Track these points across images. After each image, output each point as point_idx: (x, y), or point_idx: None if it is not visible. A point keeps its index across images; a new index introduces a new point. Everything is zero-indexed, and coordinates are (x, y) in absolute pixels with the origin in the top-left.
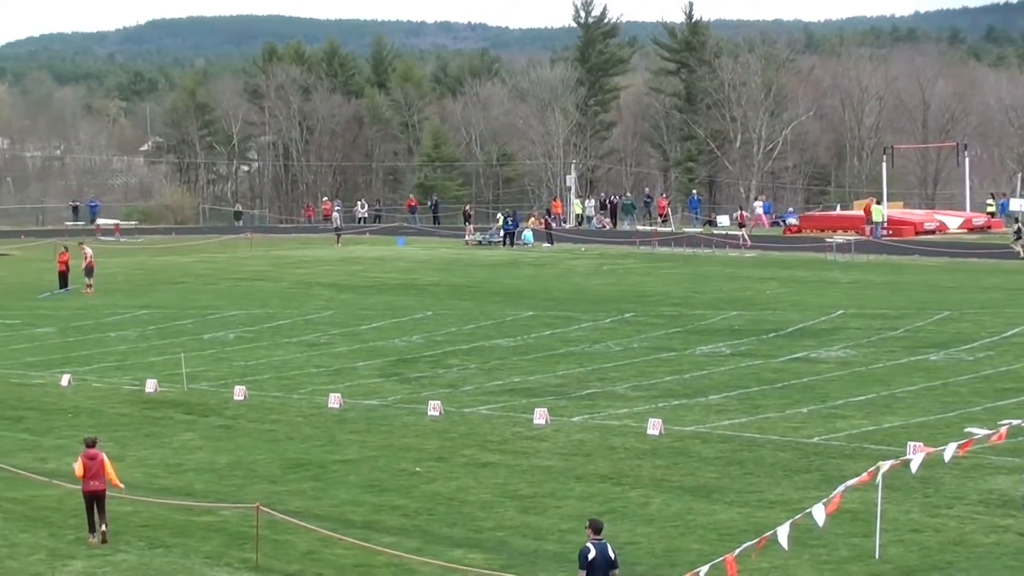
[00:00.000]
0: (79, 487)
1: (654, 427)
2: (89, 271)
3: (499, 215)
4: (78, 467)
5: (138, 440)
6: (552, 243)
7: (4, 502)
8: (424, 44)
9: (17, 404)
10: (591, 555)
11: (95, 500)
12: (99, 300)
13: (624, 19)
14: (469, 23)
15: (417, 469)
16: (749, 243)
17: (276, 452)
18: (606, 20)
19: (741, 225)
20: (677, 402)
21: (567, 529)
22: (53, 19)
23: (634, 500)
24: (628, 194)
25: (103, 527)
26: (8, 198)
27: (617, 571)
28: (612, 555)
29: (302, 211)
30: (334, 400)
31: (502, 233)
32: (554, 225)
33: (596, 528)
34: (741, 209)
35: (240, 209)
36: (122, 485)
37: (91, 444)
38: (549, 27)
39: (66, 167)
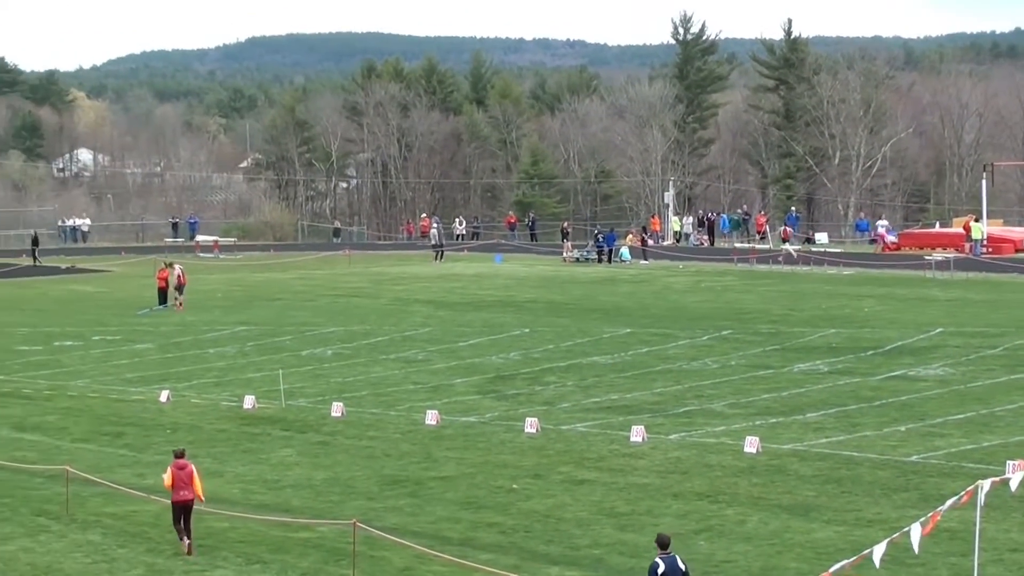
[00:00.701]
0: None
1: (751, 445)
2: (180, 288)
3: (597, 232)
4: (167, 477)
5: (236, 456)
6: (647, 259)
7: (103, 517)
8: (523, 61)
9: (117, 420)
10: (660, 569)
11: (183, 510)
12: (198, 316)
13: (723, 36)
14: (568, 40)
15: (514, 486)
16: (795, 256)
17: (373, 468)
18: (705, 37)
19: (784, 240)
20: (774, 420)
21: None
22: (154, 37)
23: (731, 518)
24: (739, 209)
25: (186, 539)
26: (109, 214)
27: None
28: (683, 567)
29: (400, 228)
30: (431, 417)
31: (594, 250)
32: (650, 242)
33: (662, 544)
34: (785, 225)
35: (339, 226)
36: (203, 499)
37: (180, 455)
38: (648, 44)
39: (166, 184)
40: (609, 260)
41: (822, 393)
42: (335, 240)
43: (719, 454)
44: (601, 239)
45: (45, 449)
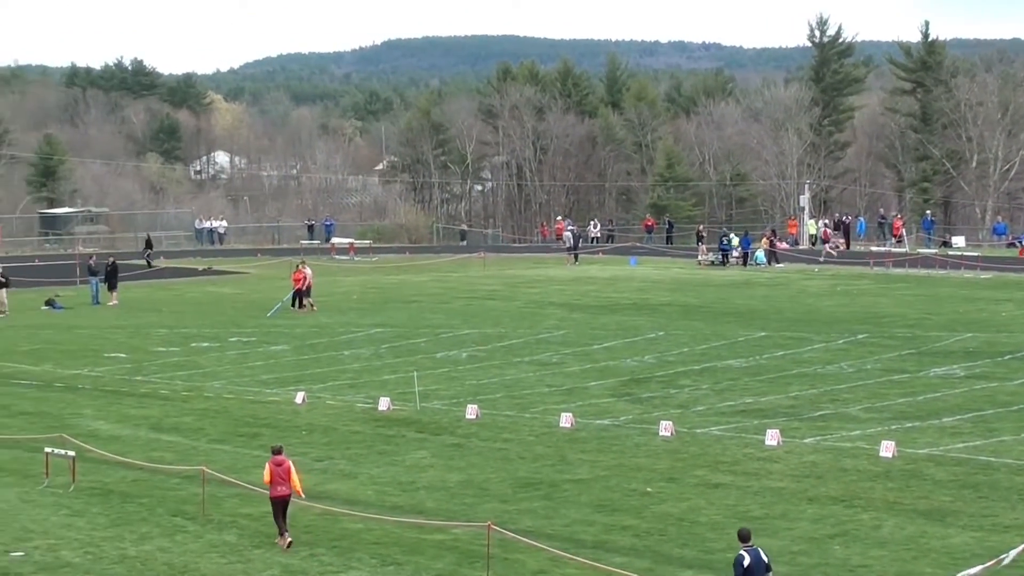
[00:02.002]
0: (305, 501)
1: (887, 449)
2: (308, 290)
3: (731, 235)
4: (266, 473)
5: (371, 458)
6: (772, 263)
7: (239, 518)
8: (658, 64)
9: (253, 421)
10: (746, 561)
11: (281, 505)
12: (333, 318)
13: (859, 38)
14: (703, 43)
15: (648, 489)
16: (835, 254)
17: (507, 471)
18: (841, 39)
19: (825, 241)
20: (910, 424)
21: (798, 551)
22: (291, 40)
23: (866, 523)
24: (894, 213)
25: (286, 534)
26: (245, 217)
27: (771, 574)
28: (766, 559)
29: (535, 230)
30: (566, 420)
31: (720, 253)
32: (780, 245)
33: (743, 537)
34: (827, 227)
35: (466, 229)
36: (303, 495)
37: (277, 451)
38: (783, 46)
39: (302, 186)
40: (744, 263)
41: (958, 398)
42: (462, 243)
43: (854, 458)
44: (726, 242)
45: (182, 450)
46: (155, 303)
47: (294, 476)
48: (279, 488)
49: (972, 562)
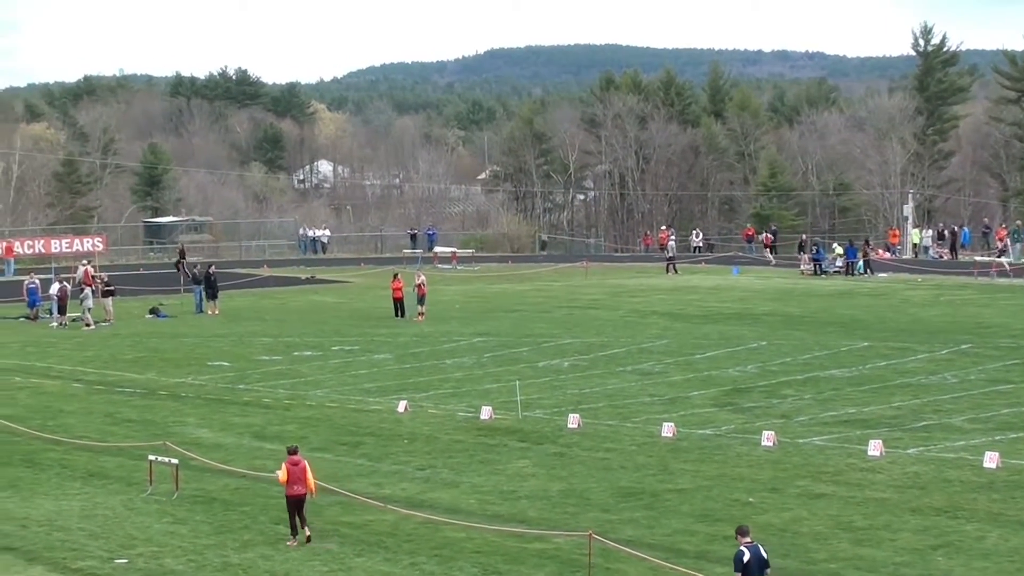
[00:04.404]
0: (411, 512)
1: (991, 460)
2: (421, 299)
3: (834, 244)
4: (282, 473)
5: (472, 467)
6: (867, 273)
7: (341, 527)
8: (761, 73)
9: (355, 430)
10: (746, 557)
11: (297, 504)
12: (435, 327)
13: (964, 47)
14: (807, 52)
15: (750, 499)
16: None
17: (609, 480)
18: (946, 48)
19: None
20: (1015, 435)
21: (901, 562)
22: (394, 49)
23: (970, 534)
24: (1019, 222)
25: (305, 529)
26: (348, 226)
27: (768, 570)
28: (764, 555)
29: (638, 240)
30: (668, 429)
31: (814, 263)
32: (882, 254)
33: (742, 532)
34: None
35: (545, 239)
36: (315, 493)
37: (293, 451)
38: (887, 55)
39: (405, 195)
40: (849, 273)
41: None
42: (540, 252)
43: (958, 469)
44: (816, 251)
45: (284, 458)
46: (258, 312)
47: (309, 476)
48: (295, 487)
49: None
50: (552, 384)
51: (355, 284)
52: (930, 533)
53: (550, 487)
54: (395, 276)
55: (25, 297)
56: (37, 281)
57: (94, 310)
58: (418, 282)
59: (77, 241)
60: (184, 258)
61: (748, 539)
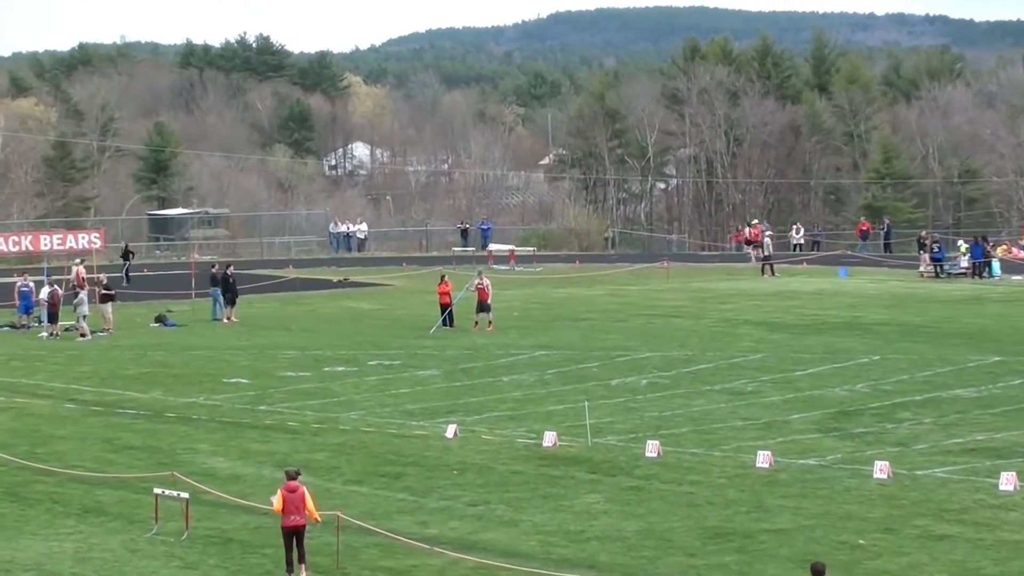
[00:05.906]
0: (461, 555)
1: None
2: (485, 305)
3: (933, 240)
4: (277, 501)
5: (534, 502)
6: (984, 274)
7: (379, 572)
8: (873, 40)
9: (396, 459)
10: None
11: (295, 536)
12: (490, 339)
13: None
14: (927, 15)
15: (861, 542)
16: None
17: (694, 519)
18: None
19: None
20: None
21: None
22: (442, 13)
23: None
24: None
25: (303, 568)
26: (388, 219)
27: None
28: None
29: (728, 236)
30: (763, 459)
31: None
32: (1014, 252)
33: (817, 572)
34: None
35: (609, 235)
36: (320, 520)
37: (292, 476)
38: (1021, 19)
39: (454, 184)
40: (979, 275)
41: None
42: (610, 252)
43: None
44: (936, 248)
45: (313, 492)
46: (283, 320)
47: (309, 503)
48: (292, 518)
49: None
50: (627, 406)
51: (396, 288)
52: None
53: (625, 526)
54: (442, 278)
55: (16, 302)
56: (31, 283)
57: (90, 317)
58: (480, 284)
59: (71, 237)
60: (129, 260)
61: None
